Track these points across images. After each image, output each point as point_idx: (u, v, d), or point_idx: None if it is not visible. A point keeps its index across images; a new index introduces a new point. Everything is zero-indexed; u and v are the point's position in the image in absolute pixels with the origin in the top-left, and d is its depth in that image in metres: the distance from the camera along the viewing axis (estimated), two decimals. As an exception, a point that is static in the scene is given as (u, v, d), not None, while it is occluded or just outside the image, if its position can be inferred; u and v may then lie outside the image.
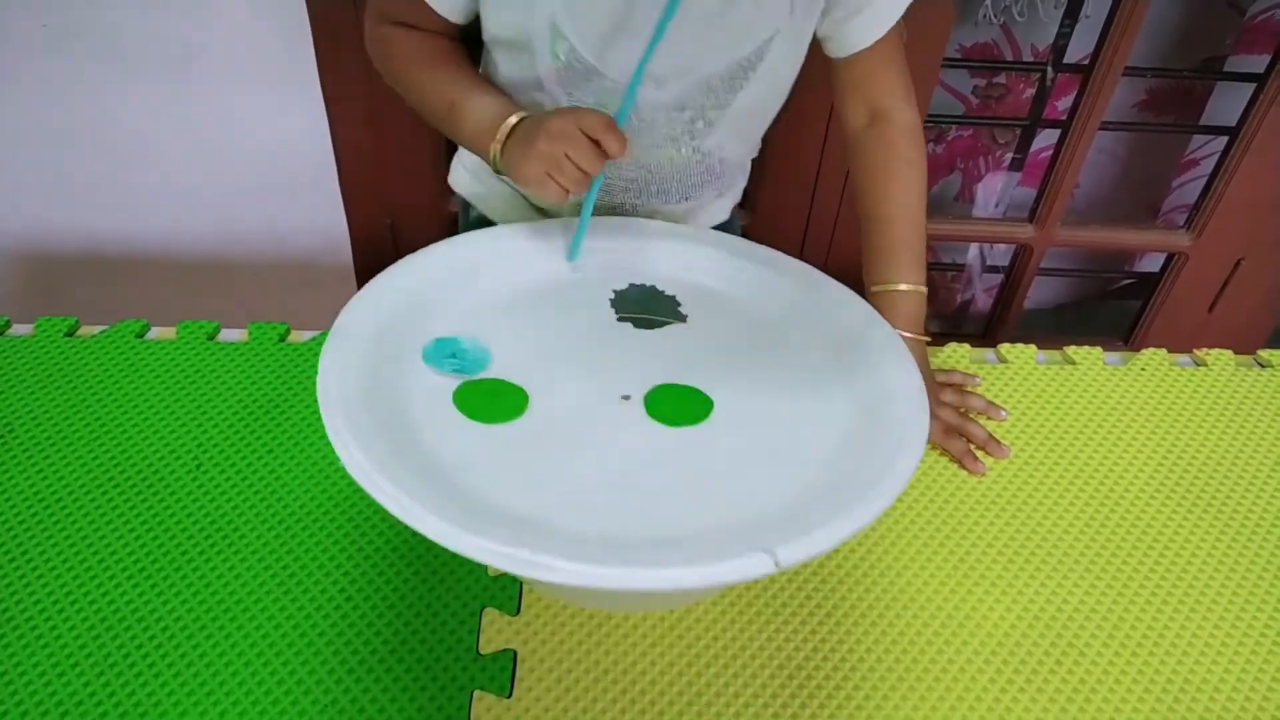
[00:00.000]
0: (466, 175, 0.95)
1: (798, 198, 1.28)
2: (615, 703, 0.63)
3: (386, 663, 0.65)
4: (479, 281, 0.73)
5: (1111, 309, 1.83)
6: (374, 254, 1.33)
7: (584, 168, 0.67)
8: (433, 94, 0.78)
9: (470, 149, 0.78)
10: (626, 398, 0.65)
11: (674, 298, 0.74)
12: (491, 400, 0.63)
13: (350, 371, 0.60)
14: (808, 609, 0.69)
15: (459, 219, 1.02)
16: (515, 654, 0.65)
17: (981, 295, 1.70)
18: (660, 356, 0.68)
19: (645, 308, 0.73)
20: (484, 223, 0.94)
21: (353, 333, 0.63)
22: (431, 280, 0.71)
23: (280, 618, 0.67)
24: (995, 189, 1.66)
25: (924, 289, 0.82)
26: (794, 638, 0.67)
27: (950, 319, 1.75)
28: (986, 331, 1.52)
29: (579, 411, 0.63)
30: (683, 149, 0.81)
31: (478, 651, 0.65)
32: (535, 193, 0.70)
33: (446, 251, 0.74)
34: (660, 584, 0.49)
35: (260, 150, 1.25)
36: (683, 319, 0.72)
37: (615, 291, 0.74)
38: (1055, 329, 1.78)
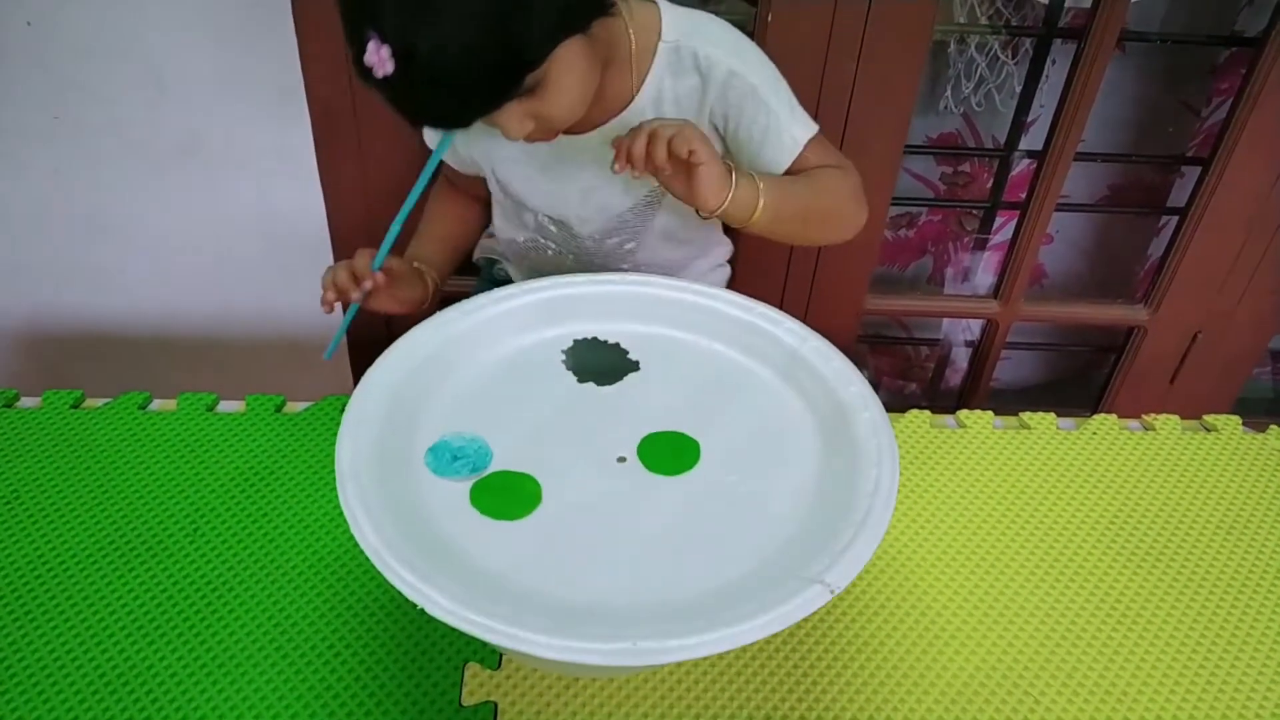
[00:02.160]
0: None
1: (776, 253, 1.32)
2: (591, 751, 0.66)
3: (373, 715, 0.68)
4: (438, 377, 0.73)
5: (1081, 386, 1.88)
6: (367, 331, 1.38)
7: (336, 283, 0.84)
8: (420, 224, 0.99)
9: None
10: (623, 459, 0.68)
11: (618, 345, 0.78)
12: (508, 496, 0.65)
13: (374, 499, 0.60)
14: (776, 661, 0.72)
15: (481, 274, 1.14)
16: (496, 706, 0.69)
17: (951, 374, 1.75)
18: (633, 409, 0.73)
19: (600, 365, 0.76)
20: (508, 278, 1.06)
21: (356, 471, 0.62)
22: (396, 389, 0.70)
23: (272, 672, 0.70)
24: (963, 270, 1.74)
25: (760, 184, 0.79)
26: (763, 688, 0.71)
27: (925, 394, 1.81)
28: (957, 407, 1.57)
29: (589, 488, 0.66)
30: (625, 264, 0.93)
31: (460, 704, 0.69)
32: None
33: (400, 355, 0.73)
34: (740, 640, 0.52)
35: (258, 233, 1.31)
36: (635, 366, 0.77)
37: (564, 353, 0.77)
38: (1025, 406, 1.83)
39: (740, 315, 0.79)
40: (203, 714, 0.67)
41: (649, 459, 0.68)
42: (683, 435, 0.70)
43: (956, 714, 0.69)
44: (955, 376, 1.78)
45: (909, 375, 1.82)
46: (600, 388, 0.74)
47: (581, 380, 0.74)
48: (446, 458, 0.66)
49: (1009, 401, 1.83)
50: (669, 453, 0.68)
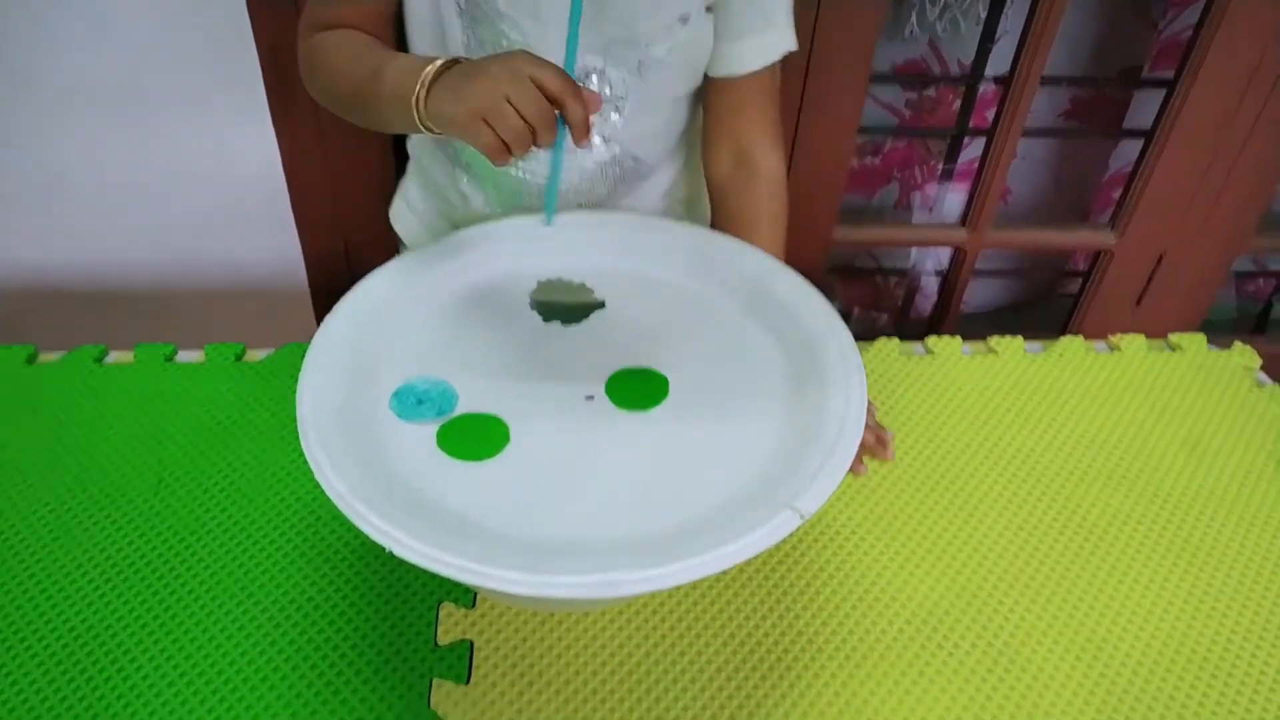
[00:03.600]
0: (409, 214, 0.95)
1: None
2: (569, 684, 0.67)
3: (348, 657, 0.68)
4: (402, 318, 0.72)
5: (1049, 310, 1.90)
6: (329, 277, 1.36)
7: (527, 115, 0.58)
8: (355, 72, 0.69)
9: (395, 116, 0.66)
10: (590, 398, 0.68)
11: (584, 284, 0.77)
12: (475, 438, 0.64)
13: (337, 445, 0.59)
14: (749, 589, 0.73)
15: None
16: (472, 644, 0.69)
17: (921, 300, 1.76)
18: (600, 347, 0.72)
19: (565, 303, 0.75)
20: None
21: (318, 418, 0.61)
22: (357, 334, 0.69)
23: (246, 622, 0.70)
24: (930, 196, 1.73)
25: None
26: (737, 616, 0.71)
27: (893, 323, 1.81)
28: (926, 334, 1.58)
29: (558, 427, 0.65)
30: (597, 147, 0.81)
31: (435, 643, 0.69)
32: (470, 143, 0.61)
33: (360, 299, 0.71)
34: (711, 568, 0.51)
35: (212, 180, 1.27)
36: (601, 304, 0.75)
37: (530, 294, 0.76)
38: (994, 330, 1.84)
39: (704, 248, 0.78)
40: (179, 668, 0.67)
41: (617, 396, 0.67)
42: (651, 371, 0.69)
43: (927, 634, 0.70)
44: (925, 304, 1.78)
45: (879, 305, 1.83)
46: (566, 326, 0.73)
47: (547, 320, 0.73)
48: (411, 401, 0.65)
49: (978, 326, 1.84)
50: (637, 389, 0.68)
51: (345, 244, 1.33)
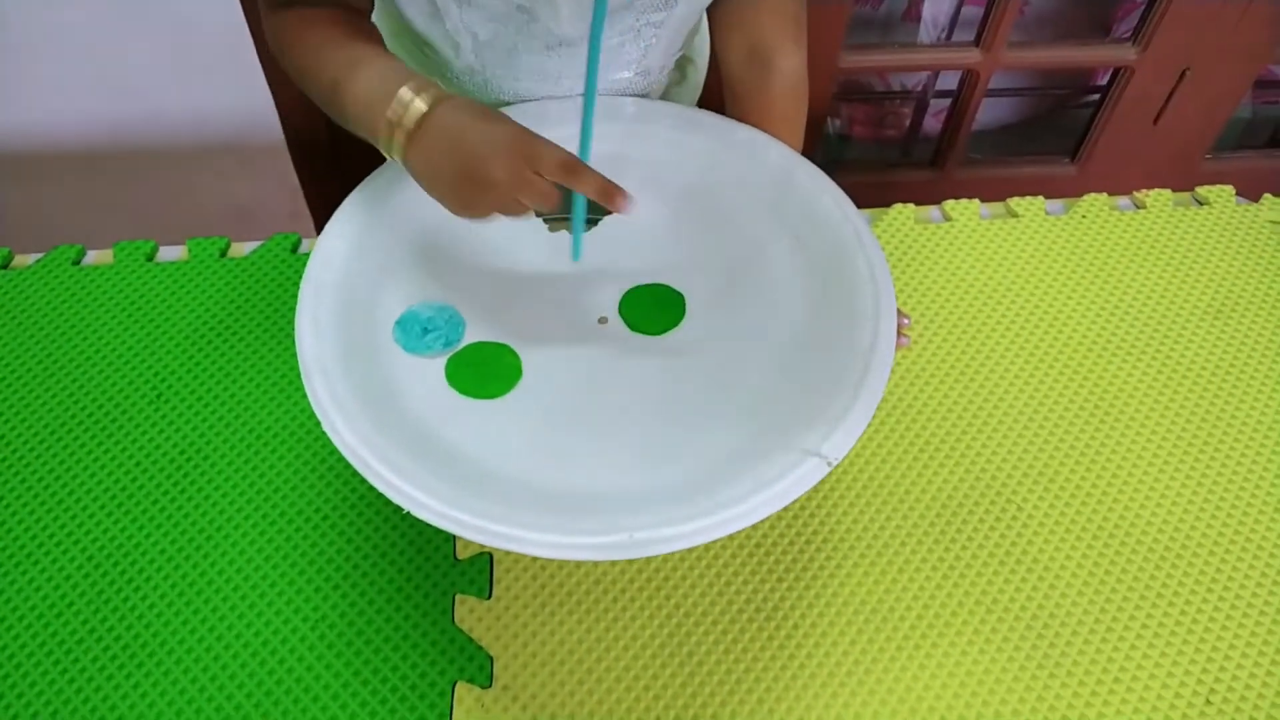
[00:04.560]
0: None
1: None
2: (588, 594, 0.67)
3: (369, 575, 0.68)
4: (395, 239, 0.66)
5: (1058, 126, 1.81)
6: (306, 128, 1.28)
7: (536, 207, 0.56)
8: (318, 81, 0.62)
9: (363, 134, 0.61)
10: (604, 320, 0.64)
11: None
12: (486, 371, 0.61)
13: (343, 389, 0.57)
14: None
15: None
16: (491, 557, 0.69)
17: (930, 120, 1.67)
18: (613, 260, 0.67)
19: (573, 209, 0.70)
20: None
21: (321, 360, 0.58)
22: (351, 257, 0.64)
23: (258, 537, 0.70)
24: (942, 4, 1.61)
25: None
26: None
27: (901, 145, 1.74)
28: (935, 157, 1.52)
29: (570, 356, 0.62)
30: (625, 73, 0.75)
31: (455, 557, 0.69)
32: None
33: (350, 217, 0.66)
34: (733, 526, 0.50)
35: (169, 27, 1.17)
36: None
37: None
38: (1004, 149, 1.77)
39: (724, 140, 0.71)
40: (196, 586, 0.67)
41: (631, 317, 0.64)
42: (666, 287, 0.65)
43: (941, 526, 0.71)
44: (934, 122, 1.70)
45: (885, 123, 1.74)
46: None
47: (553, 229, 0.68)
48: (416, 332, 0.62)
49: (986, 145, 1.76)
50: (652, 308, 0.64)
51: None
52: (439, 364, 0.61)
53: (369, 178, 0.68)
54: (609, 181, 0.55)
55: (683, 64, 0.84)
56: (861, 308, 0.59)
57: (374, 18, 0.70)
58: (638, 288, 0.65)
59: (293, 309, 0.77)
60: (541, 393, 0.60)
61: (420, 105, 0.56)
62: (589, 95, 0.54)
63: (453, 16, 0.67)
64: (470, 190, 0.55)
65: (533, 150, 0.54)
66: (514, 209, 0.56)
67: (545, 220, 0.68)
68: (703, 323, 0.64)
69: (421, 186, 0.58)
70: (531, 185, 0.54)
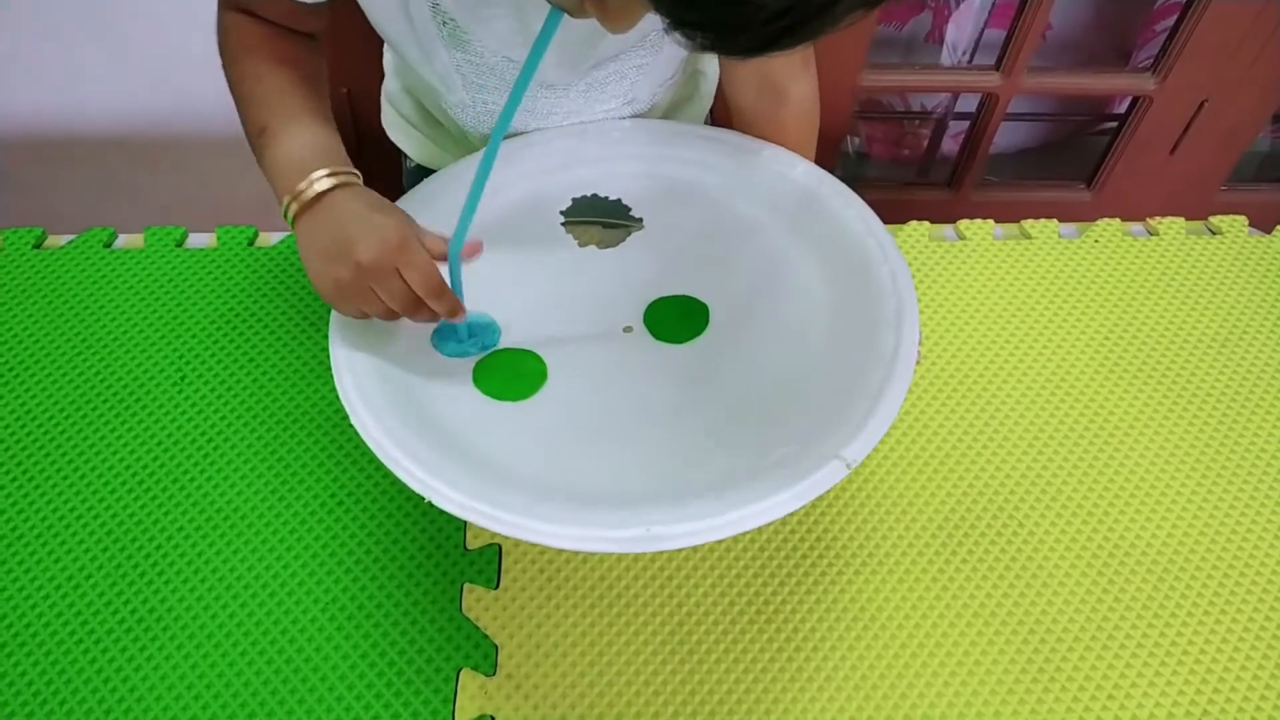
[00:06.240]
0: (399, 120, 0.88)
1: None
2: (594, 589, 0.69)
3: (381, 561, 0.70)
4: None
5: (1075, 152, 1.83)
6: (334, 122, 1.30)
7: (395, 308, 0.58)
8: (257, 108, 0.63)
9: (269, 182, 0.63)
10: (629, 329, 0.66)
11: (619, 201, 0.73)
12: (512, 375, 0.62)
13: (372, 386, 0.59)
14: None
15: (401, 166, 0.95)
16: (500, 548, 0.70)
17: (949, 141, 1.69)
18: (638, 272, 0.69)
19: (601, 222, 0.72)
20: (423, 172, 0.86)
21: (351, 361, 0.60)
22: None
23: (275, 521, 0.71)
24: (965, 28, 1.63)
25: None
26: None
27: (918, 165, 1.75)
28: (952, 179, 1.53)
29: (596, 362, 0.63)
30: (611, 104, 0.76)
31: (465, 547, 0.70)
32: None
33: None
34: (751, 523, 0.51)
35: (205, 17, 1.20)
36: (639, 223, 0.72)
37: (563, 214, 0.73)
38: (1021, 173, 1.78)
39: (748, 158, 0.73)
40: (213, 566, 0.69)
41: (656, 327, 0.65)
42: (690, 299, 0.67)
43: (944, 539, 0.72)
44: (952, 144, 1.72)
45: (904, 143, 1.76)
46: (602, 250, 0.70)
47: (582, 245, 0.69)
48: (454, 336, 0.64)
49: (1003, 168, 1.78)
50: (676, 318, 0.66)
51: (349, 89, 1.27)
52: (466, 366, 0.63)
53: (410, 191, 0.70)
54: (458, 305, 0.58)
55: (693, 77, 0.86)
56: (884, 316, 0.60)
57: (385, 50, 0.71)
58: (662, 299, 0.67)
59: (316, 299, 0.79)
60: (565, 396, 0.62)
61: (323, 185, 0.58)
62: (482, 173, 0.55)
63: (442, 60, 0.69)
64: (335, 267, 0.57)
65: (404, 251, 0.56)
66: (372, 304, 0.57)
67: (568, 228, 0.70)
68: (726, 332, 0.65)
69: (301, 260, 0.60)
70: (389, 280, 0.56)
